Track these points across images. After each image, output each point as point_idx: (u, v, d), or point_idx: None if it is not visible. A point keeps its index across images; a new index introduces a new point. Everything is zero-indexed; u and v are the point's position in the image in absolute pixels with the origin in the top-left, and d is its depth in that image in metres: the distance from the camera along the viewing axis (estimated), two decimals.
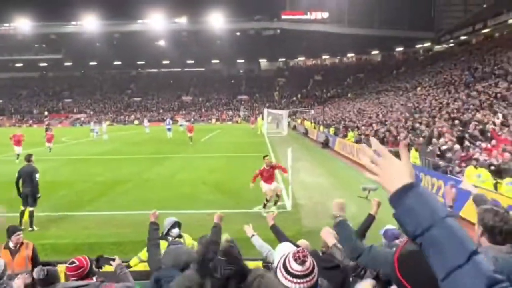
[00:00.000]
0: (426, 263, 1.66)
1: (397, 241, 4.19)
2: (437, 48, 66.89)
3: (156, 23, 74.61)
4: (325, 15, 74.22)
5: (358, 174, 16.05)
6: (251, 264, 4.56)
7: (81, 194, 13.90)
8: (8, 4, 67.50)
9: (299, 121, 53.09)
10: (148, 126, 47.35)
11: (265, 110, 47.17)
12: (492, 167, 10.87)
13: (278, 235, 4.83)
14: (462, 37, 57.28)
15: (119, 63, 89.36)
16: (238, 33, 78.93)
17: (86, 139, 37.84)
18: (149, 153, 25.67)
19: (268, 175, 11.45)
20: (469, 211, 8.16)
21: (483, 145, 13.24)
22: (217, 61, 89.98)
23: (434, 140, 16.04)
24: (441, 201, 0.99)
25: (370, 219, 4.43)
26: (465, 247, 1.06)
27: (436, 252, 1.09)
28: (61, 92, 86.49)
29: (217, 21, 73.96)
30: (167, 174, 17.83)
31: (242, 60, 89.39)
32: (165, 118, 55.90)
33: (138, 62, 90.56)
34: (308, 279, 2.27)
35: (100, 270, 4.25)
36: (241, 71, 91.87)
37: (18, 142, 22.76)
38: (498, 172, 10.68)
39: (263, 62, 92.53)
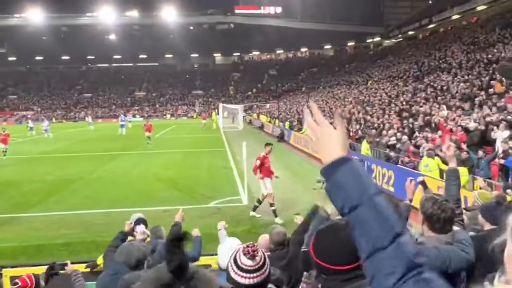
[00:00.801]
0: (338, 239, 1.70)
1: None
2: (387, 42, 69.07)
3: (106, 17, 72.17)
4: (279, 9, 74.83)
5: (313, 167, 16.34)
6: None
7: (29, 195, 13.26)
8: None
9: (254, 115, 53.29)
10: (92, 122, 45.82)
11: (221, 105, 47.02)
12: (437, 157, 11.35)
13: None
14: (410, 32, 59.46)
15: (67, 57, 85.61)
16: (191, 27, 77.96)
17: (29, 137, 36.13)
18: (101, 150, 24.87)
19: (269, 166, 10.71)
20: (417, 199, 8.48)
21: (430, 135, 13.81)
22: (171, 55, 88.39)
23: (384, 132, 16.60)
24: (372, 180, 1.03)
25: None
26: (390, 228, 1.05)
27: (362, 231, 1.07)
28: (5, 89, 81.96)
29: (169, 14, 72.63)
30: (120, 172, 17.34)
31: (197, 55, 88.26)
32: (118, 114, 54.43)
33: (88, 57, 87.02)
34: (259, 273, 2.26)
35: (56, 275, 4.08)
36: (196, 66, 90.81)
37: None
38: (444, 162, 11.17)
39: (218, 56, 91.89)
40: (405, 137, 14.67)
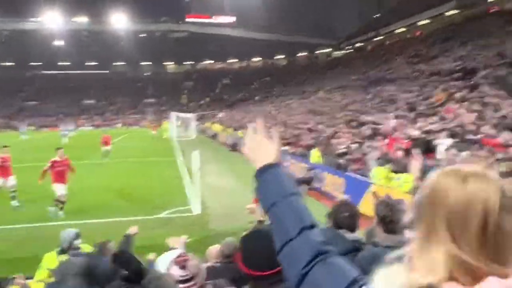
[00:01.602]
0: (260, 244, 1.77)
1: None
2: (336, 53, 71.27)
3: (52, 22, 69.51)
4: (232, 19, 75.28)
5: None
6: None
7: None
8: None
9: (207, 124, 52.99)
10: (25, 131, 43.24)
11: (173, 114, 46.37)
12: (388, 165, 11.70)
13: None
14: (358, 44, 61.69)
15: (10, 64, 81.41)
16: (143, 35, 76.70)
17: None
18: (42, 160, 23.65)
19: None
20: (366, 205, 8.70)
21: (377, 144, 14.27)
22: (122, 63, 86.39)
23: (333, 140, 17.00)
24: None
25: None
26: (299, 222, 1.14)
27: (276, 227, 1.18)
28: None
29: (120, 21, 71.12)
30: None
31: (149, 63, 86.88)
32: (64, 123, 52.18)
33: (33, 63, 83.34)
34: (191, 283, 2.27)
35: None
36: (148, 74, 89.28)
37: None
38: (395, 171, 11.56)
39: (170, 65, 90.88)
40: (354, 145, 15.11)
